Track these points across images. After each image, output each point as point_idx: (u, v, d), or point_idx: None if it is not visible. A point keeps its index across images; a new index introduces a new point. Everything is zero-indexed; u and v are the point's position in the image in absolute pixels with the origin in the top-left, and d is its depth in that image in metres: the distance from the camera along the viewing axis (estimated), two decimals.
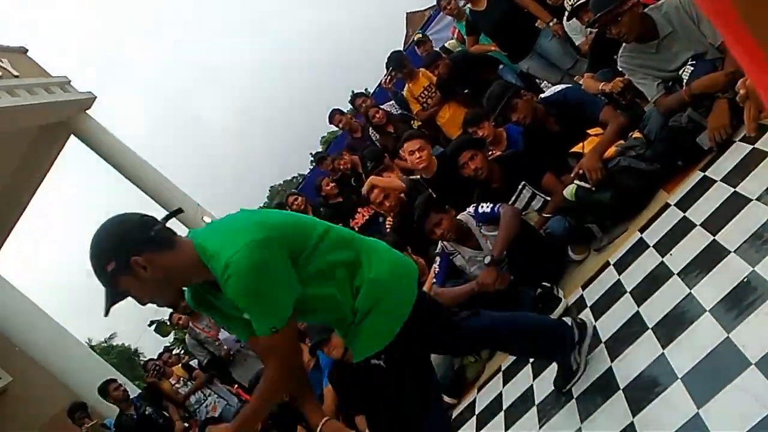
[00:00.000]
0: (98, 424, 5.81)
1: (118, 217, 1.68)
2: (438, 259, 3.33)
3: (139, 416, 5.84)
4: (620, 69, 3.16)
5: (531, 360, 2.68)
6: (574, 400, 2.16)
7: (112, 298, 1.64)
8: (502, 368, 2.94)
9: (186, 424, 5.60)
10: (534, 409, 2.38)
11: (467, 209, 3.25)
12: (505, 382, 2.81)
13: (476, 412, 2.86)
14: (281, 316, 1.64)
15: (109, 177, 11.30)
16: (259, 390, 1.80)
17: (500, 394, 2.76)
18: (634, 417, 1.82)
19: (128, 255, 1.58)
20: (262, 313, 1.64)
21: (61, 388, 8.03)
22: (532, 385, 2.54)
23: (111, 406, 5.90)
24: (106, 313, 1.67)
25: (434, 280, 3.27)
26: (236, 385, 6.02)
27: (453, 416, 3.05)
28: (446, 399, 3.10)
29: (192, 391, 5.83)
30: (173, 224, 1.77)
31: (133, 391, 7.98)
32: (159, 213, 1.82)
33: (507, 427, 2.48)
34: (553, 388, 2.30)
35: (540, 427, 2.24)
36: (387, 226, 4.36)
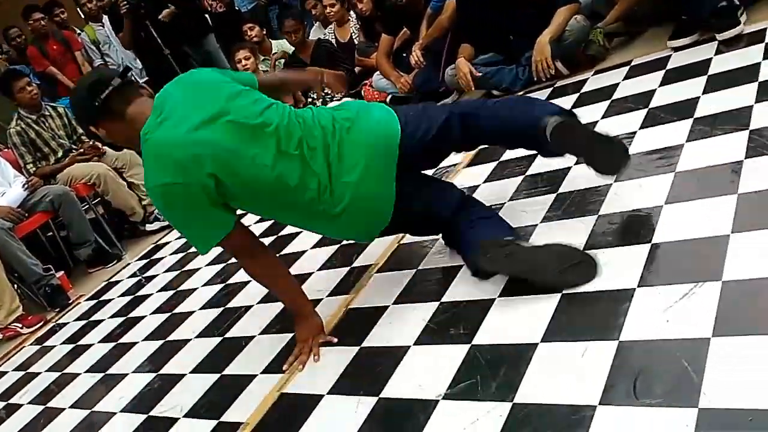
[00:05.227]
0: None
1: (79, 83, 1.85)
2: None
3: None
4: None
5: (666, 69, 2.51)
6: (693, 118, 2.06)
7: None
8: (633, 63, 2.77)
9: None
10: (644, 111, 2.31)
11: None
12: (627, 77, 2.69)
13: (581, 91, 2.81)
14: (200, 247, 1.69)
15: None
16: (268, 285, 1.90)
17: (615, 86, 2.66)
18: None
19: (87, 124, 1.75)
20: (186, 237, 1.75)
21: None
22: (655, 90, 2.42)
23: None
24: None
25: None
26: None
27: (557, 84, 3.03)
28: (559, 67, 3.02)
29: None
30: None
31: None
32: None
33: (605, 116, 2.45)
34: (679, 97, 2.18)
35: (641, 126, 2.20)
36: None
